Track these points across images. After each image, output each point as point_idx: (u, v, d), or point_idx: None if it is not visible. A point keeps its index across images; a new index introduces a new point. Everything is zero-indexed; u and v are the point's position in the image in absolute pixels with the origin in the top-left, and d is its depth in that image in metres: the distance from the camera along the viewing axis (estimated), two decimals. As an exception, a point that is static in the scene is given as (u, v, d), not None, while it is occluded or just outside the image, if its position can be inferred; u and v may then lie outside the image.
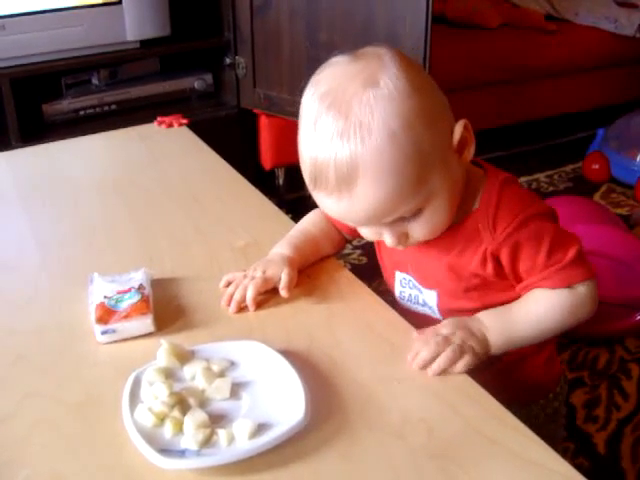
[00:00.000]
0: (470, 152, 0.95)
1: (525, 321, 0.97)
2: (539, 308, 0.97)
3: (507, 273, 0.98)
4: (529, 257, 0.95)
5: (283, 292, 1.03)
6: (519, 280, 0.99)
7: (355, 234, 1.16)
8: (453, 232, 0.99)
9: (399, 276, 1.08)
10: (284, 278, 1.04)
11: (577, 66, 3.26)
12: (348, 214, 0.91)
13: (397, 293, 1.10)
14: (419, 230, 0.94)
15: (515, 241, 0.95)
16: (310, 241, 1.14)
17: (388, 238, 0.94)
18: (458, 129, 0.92)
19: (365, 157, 0.84)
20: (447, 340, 0.91)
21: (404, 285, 1.08)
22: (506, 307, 0.98)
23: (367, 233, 0.98)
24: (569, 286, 0.96)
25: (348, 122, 0.85)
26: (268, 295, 1.05)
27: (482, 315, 0.97)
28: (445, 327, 0.94)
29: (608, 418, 1.70)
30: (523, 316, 0.97)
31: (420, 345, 0.91)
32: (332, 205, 0.90)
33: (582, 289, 0.97)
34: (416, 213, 0.91)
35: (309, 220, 1.18)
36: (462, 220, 0.98)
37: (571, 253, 0.95)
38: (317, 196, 0.92)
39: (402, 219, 0.92)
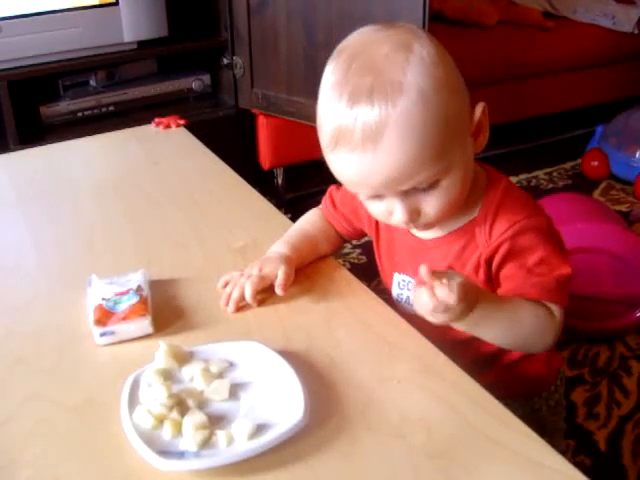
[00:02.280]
0: (484, 138, 0.96)
1: (504, 319, 0.94)
2: (520, 313, 0.94)
3: (494, 279, 0.98)
4: (515, 265, 0.95)
5: (278, 290, 1.03)
6: (499, 286, 0.98)
7: (352, 235, 1.16)
8: (455, 235, 0.99)
9: (397, 278, 1.08)
10: (280, 276, 1.03)
11: (575, 63, 3.25)
12: (367, 175, 0.88)
13: (394, 295, 1.09)
14: (432, 205, 0.91)
15: (508, 248, 0.94)
16: (307, 240, 1.14)
17: (399, 212, 0.92)
18: (478, 109, 0.93)
19: (395, 114, 0.83)
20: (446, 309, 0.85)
21: (402, 287, 1.08)
22: (501, 299, 0.94)
23: (378, 208, 0.95)
24: (546, 303, 0.94)
25: (380, 79, 0.84)
26: (267, 295, 1.05)
27: (482, 296, 0.90)
28: (454, 292, 0.84)
29: (609, 415, 1.70)
30: (506, 315, 0.93)
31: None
32: (352, 164, 0.88)
33: (557, 315, 0.95)
34: (433, 184, 0.89)
35: (306, 219, 1.18)
36: (464, 224, 0.98)
37: (557, 274, 0.94)
38: (337, 155, 0.89)
39: (417, 190, 0.90)
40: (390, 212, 0.93)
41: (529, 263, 0.94)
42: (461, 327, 0.92)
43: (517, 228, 0.94)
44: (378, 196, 0.93)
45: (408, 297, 1.07)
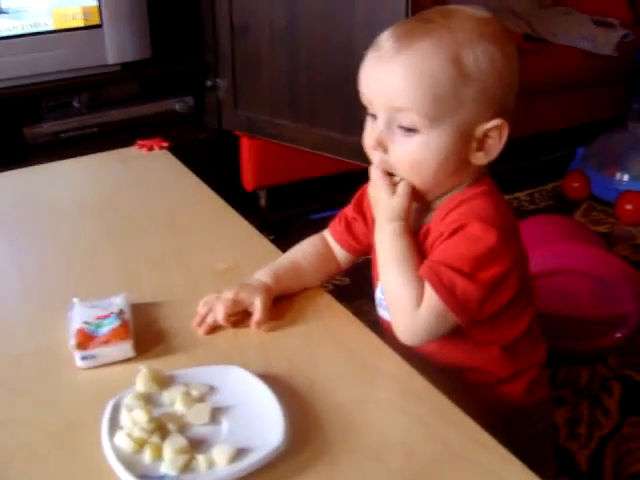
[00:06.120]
0: (485, 157, 0.99)
1: (396, 265, 0.98)
2: (406, 274, 0.96)
3: None
4: (436, 251, 0.96)
5: (253, 326, 1.03)
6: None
7: (359, 251, 1.16)
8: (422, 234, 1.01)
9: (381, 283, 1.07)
10: (257, 309, 1.03)
11: (556, 85, 3.27)
12: (375, 78, 0.96)
13: (376, 299, 1.10)
14: (400, 149, 0.96)
15: (445, 237, 0.95)
16: (294, 272, 1.12)
17: (371, 132, 0.98)
18: (493, 122, 0.96)
19: (427, 42, 0.92)
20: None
21: (383, 292, 1.05)
22: (411, 252, 0.98)
23: (368, 130, 1.00)
24: (425, 298, 0.94)
25: (443, 21, 0.94)
26: (246, 318, 1.05)
27: (405, 227, 0.99)
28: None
29: (590, 436, 1.70)
30: (404, 261, 0.97)
31: None
32: (372, 65, 0.96)
33: (425, 312, 0.94)
34: (411, 129, 0.94)
35: (301, 250, 1.17)
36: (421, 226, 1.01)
37: (462, 280, 0.92)
38: (368, 59, 0.97)
39: (397, 129, 0.95)
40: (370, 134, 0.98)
41: (446, 254, 0.94)
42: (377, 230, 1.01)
43: (461, 223, 0.94)
44: (374, 116, 0.98)
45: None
